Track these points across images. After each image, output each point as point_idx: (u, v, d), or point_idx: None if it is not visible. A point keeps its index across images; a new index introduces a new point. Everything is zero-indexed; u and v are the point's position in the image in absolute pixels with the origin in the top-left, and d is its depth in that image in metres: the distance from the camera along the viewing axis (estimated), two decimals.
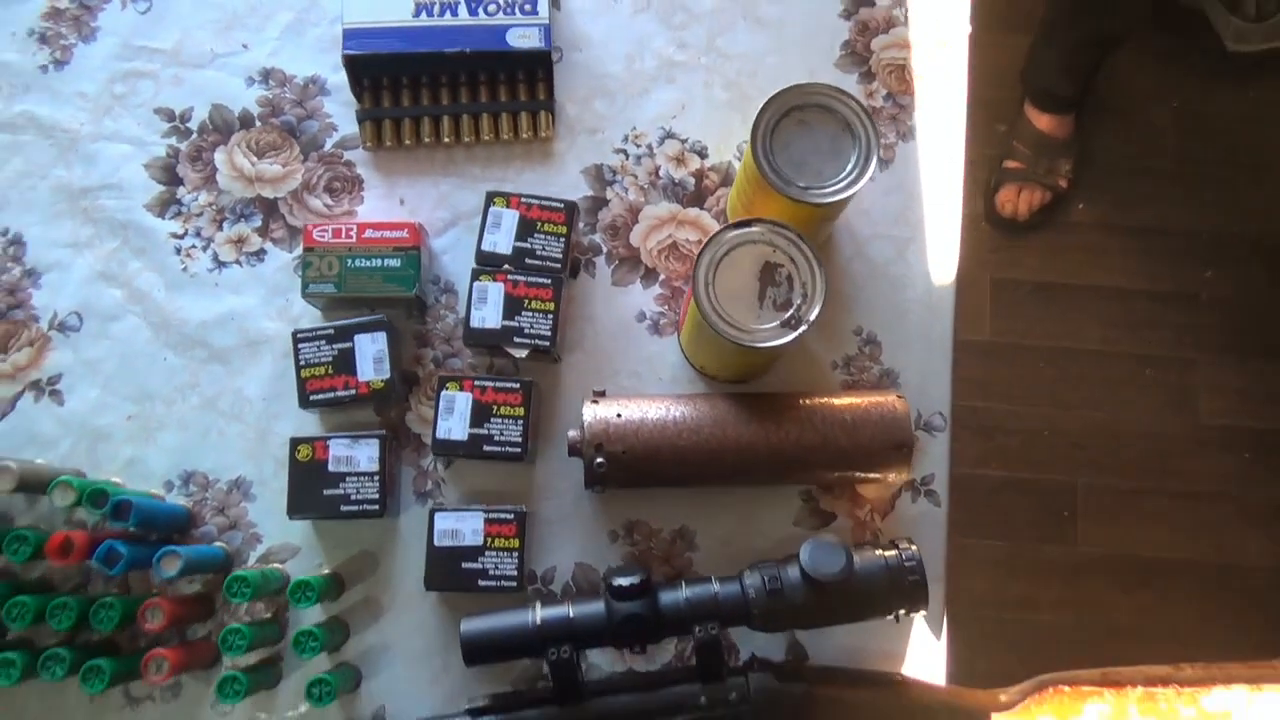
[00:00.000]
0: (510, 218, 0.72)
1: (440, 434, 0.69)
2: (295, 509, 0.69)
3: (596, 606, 0.63)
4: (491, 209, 0.72)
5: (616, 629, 0.62)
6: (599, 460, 0.67)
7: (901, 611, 0.64)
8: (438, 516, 0.68)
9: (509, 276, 0.71)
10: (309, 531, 0.72)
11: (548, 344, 0.70)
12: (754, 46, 0.81)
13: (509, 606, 0.63)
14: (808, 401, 0.69)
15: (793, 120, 0.66)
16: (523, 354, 0.71)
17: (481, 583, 0.67)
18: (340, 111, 0.79)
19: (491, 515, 0.68)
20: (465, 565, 0.68)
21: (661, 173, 0.79)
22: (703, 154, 0.79)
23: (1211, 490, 1.51)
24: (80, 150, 0.78)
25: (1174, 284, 1.59)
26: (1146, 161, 1.64)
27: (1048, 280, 1.59)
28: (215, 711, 0.69)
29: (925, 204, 0.79)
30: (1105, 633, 1.45)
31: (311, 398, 0.70)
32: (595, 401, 0.69)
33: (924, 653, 0.72)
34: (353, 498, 0.68)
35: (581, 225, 0.77)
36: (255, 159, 0.78)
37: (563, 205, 0.73)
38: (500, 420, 0.69)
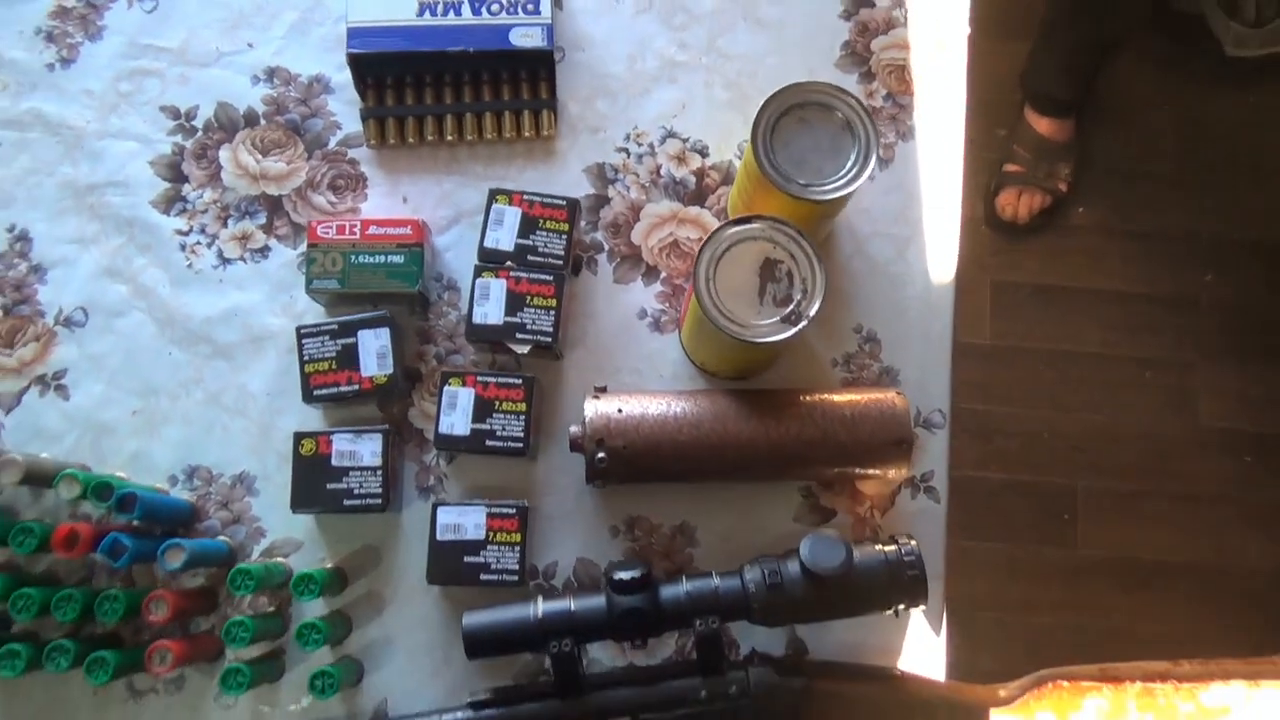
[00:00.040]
0: (513, 215, 0.73)
1: (443, 429, 0.70)
2: (298, 503, 0.69)
3: (598, 600, 0.63)
4: (494, 206, 0.73)
5: (617, 622, 0.62)
6: (600, 455, 0.67)
7: (901, 606, 0.64)
8: (440, 511, 0.69)
9: (511, 273, 0.72)
10: (312, 526, 0.72)
11: (550, 340, 0.71)
12: (754, 47, 0.82)
13: (510, 600, 0.63)
14: (808, 398, 0.70)
15: (793, 118, 0.67)
16: (525, 350, 0.71)
17: (483, 577, 0.68)
18: (344, 110, 0.80)
19: (493, 510, 0.69)
20: (467, 559, 0.68)
21: (663, 171, 0.80)
22: (704, 153, 0.80)
23: (1211, 493, 1.51)
24: (86, 147, 0.79)
25: (1174, 287, 1.59)
26: (1146, 166, 1.64)
27: (1048, 283, 1.59)
28: (218, 704, 0.70)
29: (925, 203, 0.80)
30: (1105, 635, 1.45)
31: (315, 393, 0.71)
32: (597, 397, 0.70)
33: (923, 650, 0.72)
34: (355, 492, 0.69)
35: (583, 223, 0.78)
36: (260, 157, 0.79)
37: (565, 203, 0.73)
38: (502, 416, 0.70)
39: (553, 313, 0.71)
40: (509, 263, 0.72)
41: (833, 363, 0.76)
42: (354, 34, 0.76)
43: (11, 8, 0.81)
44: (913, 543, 0.65)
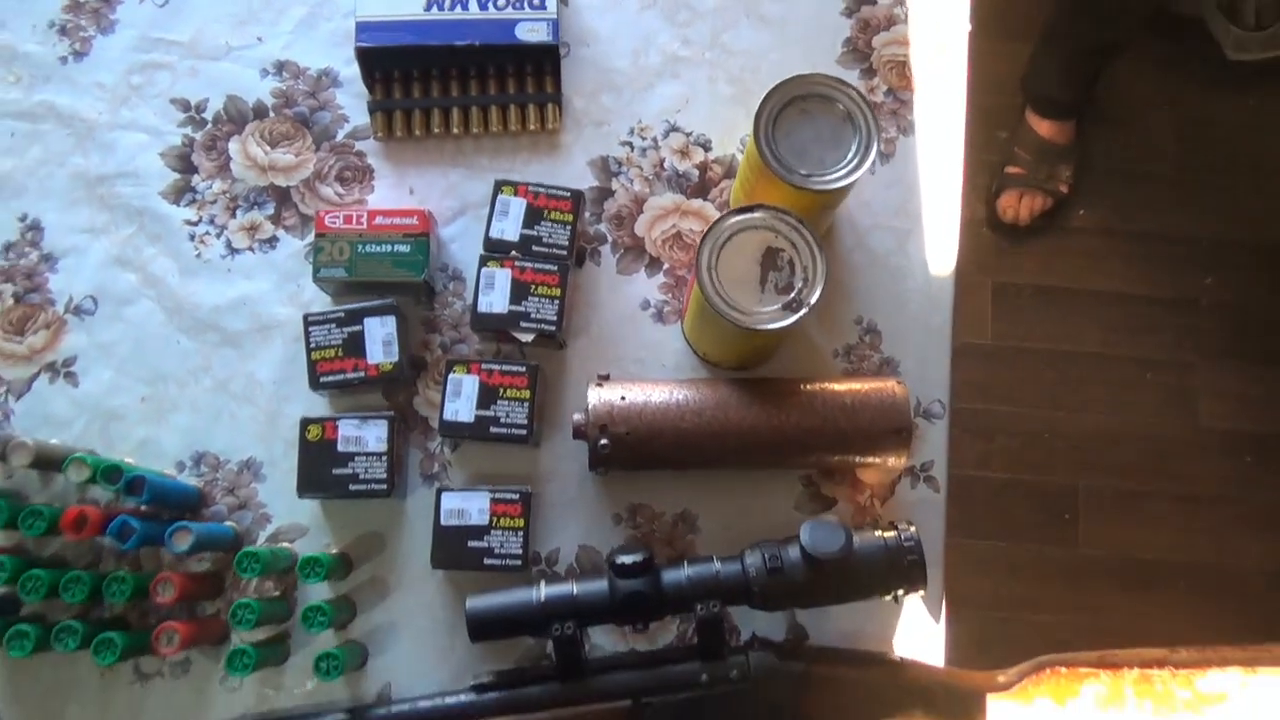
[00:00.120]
0: (518, 205, 0.74)
1: (447, 416, 0.70)
2: (305, 488, 0.70)
3: (600, 584, 0.64)
4: (499, 197, 0.74)
5: (619, 606, 0.63)
6: (603, 442, 0.68)
7: (900, 591, 0.65)
8: (444, 496, 0.69)
9: (516, 263, 0.72)
10: (317, 511, 0.73)
11: (553, 329, 0.72)
12: (757, 43, 0.83)
13: (514, 585, 0.64)
14: (808, 386, 0.71)
15: (795, 110, 0.68)
16: (529, 339, 0.72)
17: (487, 561, 0.69)
18: (352, 103, 0.81)
19: (497, 495, 0.69)
20: (471, 544, 0.69)
21: (666, 165, 0.80)
22: (706, 147, 0.81)
23: (1212, 493, 1.52)
24: (98, 139, 0.80)
25: (1174, 289, 1.60)
26: (1147, 168, 1.65)
27: (1049, 284, 1.60)
28: (224, 687, 0.70)
29: (925, 197, 0.81)
30: (1106, 634, 1.45)
31: (322, 379, 0.71)
32: (600, 385, 0.70)
33: (923, 638, 0.72)
34: (361, 477, 0.70)
35: (587, 215, 0.79)
36: (268, 148, 0.80)
37: (569, 194, 0.74)
38: (506, 403, 0.71)
39: (557, 302, 0.72)
40: (514, 252, 0.73)
41: (833, 353, 0.77)
42: (362, 28, 0.77)
43: (25, 2, 0.82)
44: (912, 529, 0.65)
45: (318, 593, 0.71)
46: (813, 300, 0.64)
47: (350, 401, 0.75)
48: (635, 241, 0.79)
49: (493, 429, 0.70)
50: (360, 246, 0.73)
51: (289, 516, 0.73)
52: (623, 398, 0.69)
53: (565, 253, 0.74)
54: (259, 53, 0.82)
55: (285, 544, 0.73)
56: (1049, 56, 1.53)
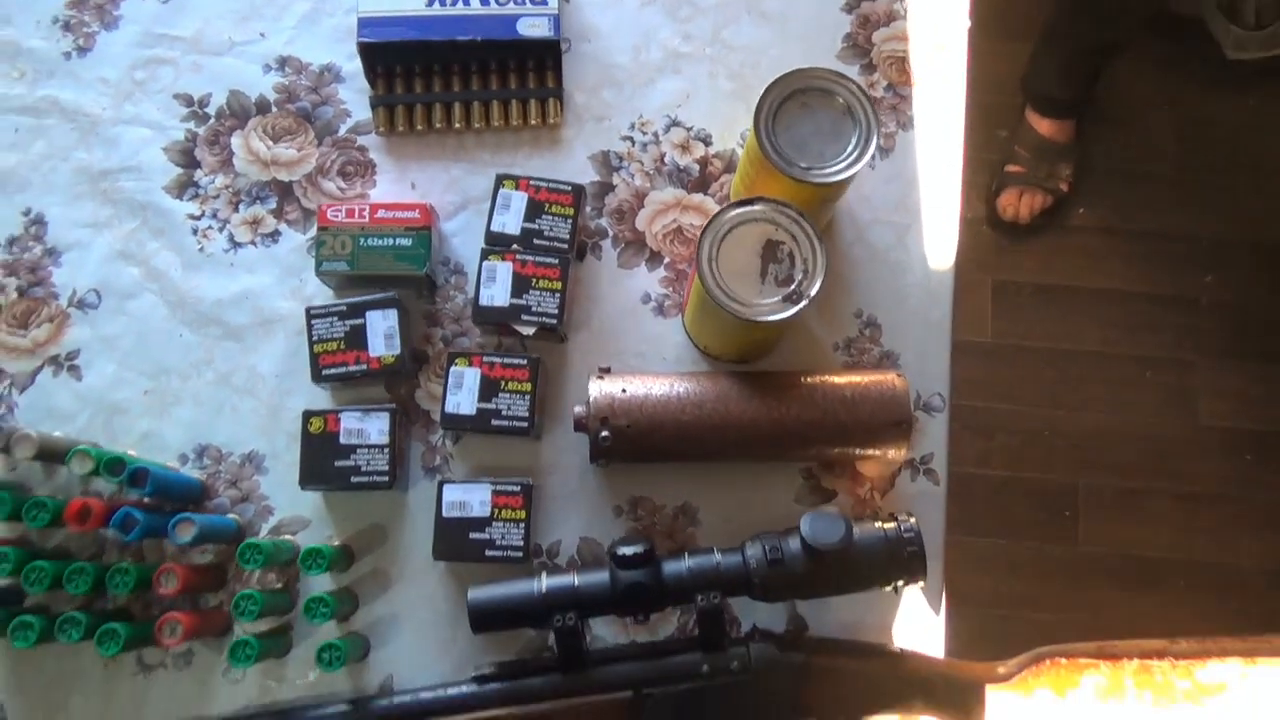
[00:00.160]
0: (519, 199, 0.74)
1: (449, 408, 0.71)
2: (307, 480, 0.70)
3: (601, 576, 0.64)
4: (501, 191, 0.74)
5: (620, 597, 0.63)
6: (604, 434, 0.68)
7: (900, 583, 0.65)
8: (446, 488, 0.70)
9: (517, 256, 0.73)
10: (319, 504, 0.73)
11: (555, 322, 0.72)
12: (757, 39, 0.83)
13: (515, 576, 0.64)
14: (809, 379, 0.71)
15: (795, 103, 0.68)
16: (530, 332, 0.72)
17: (488, 553, 0.69)
18: (354, 98, 0.81)
19: (499, 487, 0.70)
20: (473, 536, 0.69)
21: (667, 159, 0.81)
22: (707, 141, 0.81)
23: (1212, 492, 1.52)
24: (101, 134, 0.80)
25: (1174, 288, 1.60)
26: (1147, 168, 1.66)
27: (1049, 283, 1.60)
28: (226, 679, 0.71)
29: (925, 192, 0.81)
30: (1105, 632, 1.44)
31: (324, 372, 0.72)
32: (601, 377, 0.71)
33: (922, 630, 0.73)
34: (363, 469, 0.70)
35: (588, 209, 0.79)
36: (271, 143, 0.80)
37: (570, 188, 0.75)
38: (508, 395, 0.71)
39: (558, 295, 0.72)
40: (515, 246, 0.73)
41: (834, 347, 0.77)
42: (364, 23, 0.77)
43: None
44: (912, 520, 0.65)
45: (320, 585, 0.71)
46: (813, 292, 0.64)
47: (352, 395, 0.75)
48: (636, 236, 0.79)
49: (494, 421, 0.71)
50: (362, 240, 0.73)
51: (291, 509, 0.73)
52: (624, 390, 0.70)
53: (566, 246, 0.74)
54: (262, 48, 0.82)
55: (287, 536, 0.73)
56: (1049, 56, 1.53)
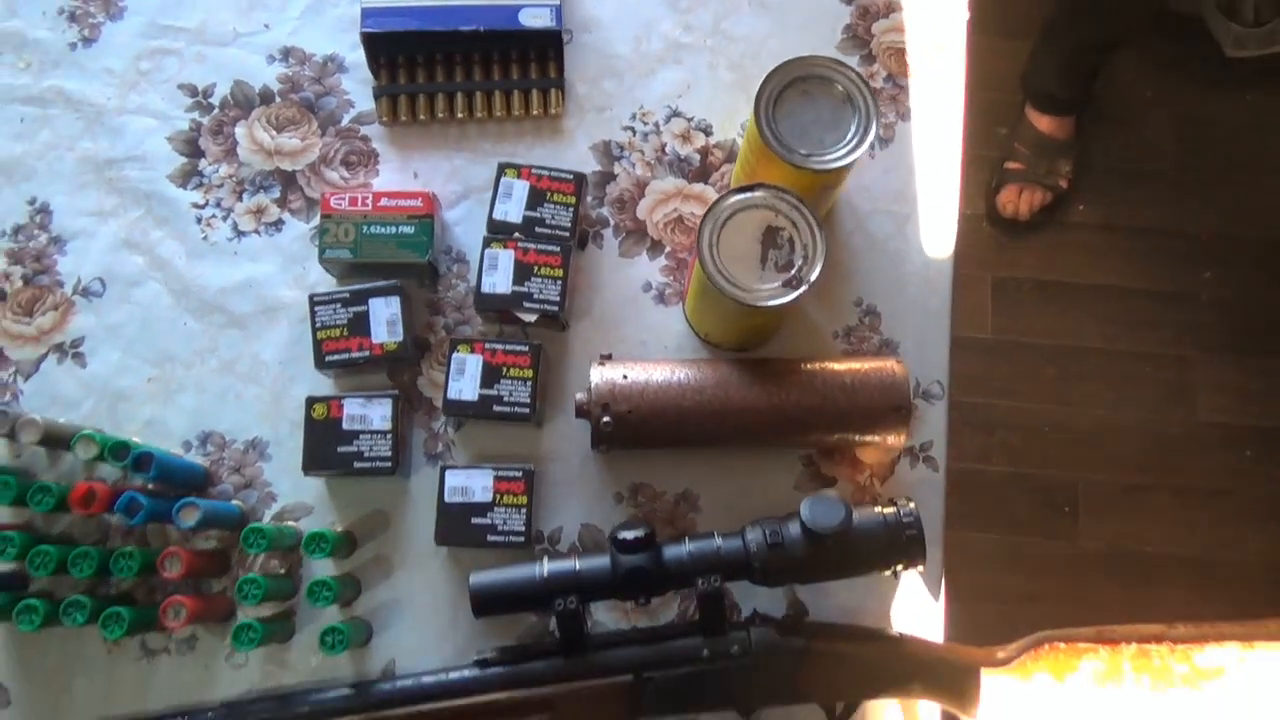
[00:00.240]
0: (521, 188, 0.75)
1: (451, 394, 0.71)
2: (310, 465, 0.71)
3: (602, 560, 0.64)
4: (503, 179, 0.75)
5: (622, 581, 0.64)
6: (605, 419, 0.69)
7: (899, 567, 0.65)
8: (448, 474, 0.70)
9: (519, 244, 0.73)
10: (322, 490, 0.74)
11: (556, 309, 0.73)
12: (757, 29, 0.84)
13: (517, 561, 0.65)
14: (808, 365, 0.71)
15: (795, 91, 0.69)
16: (532, 319, 0.73)
17: (490, 538, 0.69)
18: (357, 89, 0.82)
19: (501, 473, 0.70)
20: (474, 521, 0.69)
21: (668, 149, 0.81)
22: (708, 131, 0.82)
23: (1212, 487, 1.52)
24: (106, 124, 0.81)
25: (1173, 284, 1.61)
26: (1146, 166, 1.66)
27: (1048, 279, 1.61)
28: (229, 664, 0.71)
29: (924, 182, 0.81)
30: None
31: (327, 358, 0.72)
32: (602, 364, 0.71)
33: (921, 618, 0.73)
34: (366, 455, 0.70)
35: (589, 199, 0.80)
36: (274, 133, 0.81)
37: (572, 176, 0.75)
38: (510, 381, 0.71)
39: (559, 282, 0.73)
40: (517, 234, 0.74)
41: (833, 335, 0.78)
42: (368, 14, 0.78)
43: None
44: (911, 505, 0.66)
45: (323, 570, 0.72)
46: (812, 277, 0.65)
47: (355, 382, 0.76)
48: (637, 225, 0.80)
49: (496, 407, 0.71)
50: (365, 228, 0.74)
51: (294, 495, 0.74)
52: (625, 377, 0.70)
53: (568, 234, 0.74)
54: (266, 39, 0.83)
55: (290, 522, 0.73)
56: (1049, 53, 1.54)
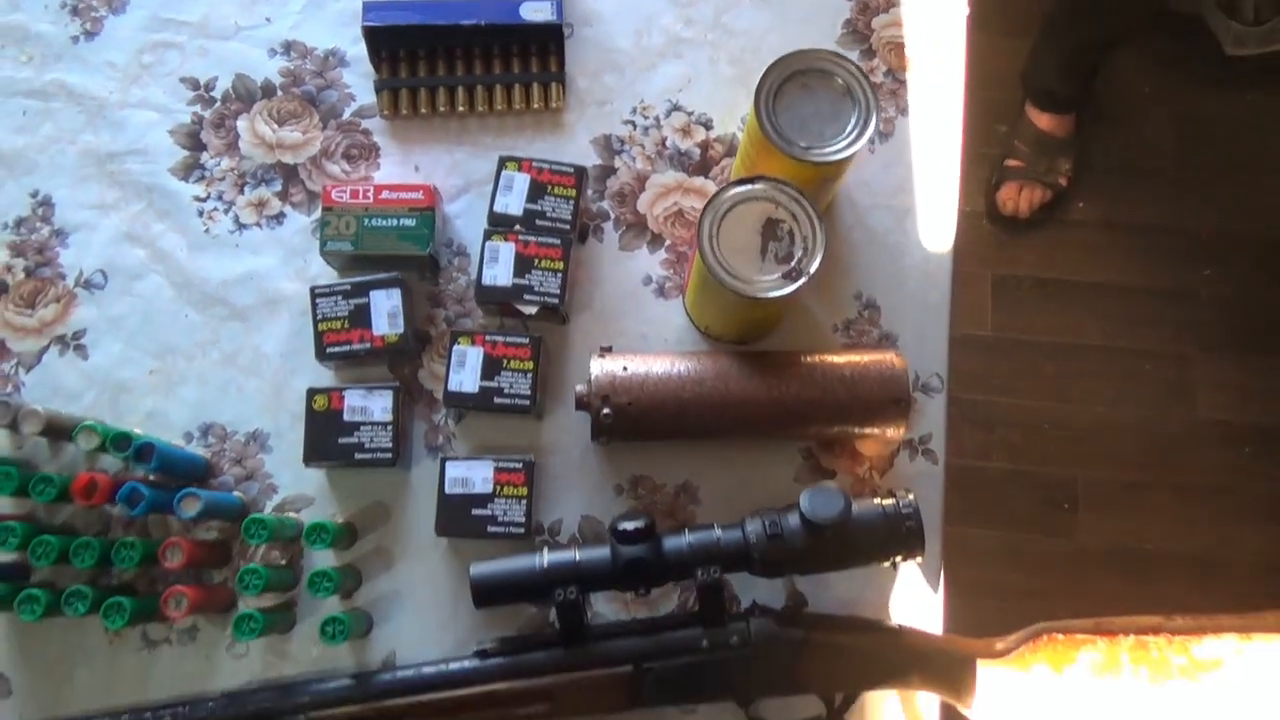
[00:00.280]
0: (522, 181, 0.75)
1: (452, 386, 0.71)
2: (311, 456, 0.71)
3: (602, 551, 0.64)
4: (504, 172, 0.75)
5: (621, 572, 0.64)
6: (605, 411, 0.69)
7: (898, 558, 0.65)
8: (449, 465, 0.70)
9: (520, 236, 0.73)
10: (323, 482, 0.74)
11: (556, 301, 0.73)
12: (758, 24, 0.84)
13: (517, 552, 0.65)
14: (808, 358, 0.72)
15: (795, 84, 0.69)
16: (532, 311, 0.73)
17: (490, 529, 0.69)
18: (358, 82, 0.82)
19: (501, 464, 0.70)
20: (475, 512, 0.70)
21: (668, 143, 0.82)
22: (708, 125, 0.82)
23: (1211, 484, 1.52)
24: (108, 117, 0.81)
25: (1173, 281, 1.61)
26: (1146, 163, 1.66)
27: (1048, 277, 1.61)
28: (230, 654, 0.71)
29: (924, 177, 0.81)
30: None
31: (328, 350, 0.72)
32: (602, 356, 0.71)
33: (920, 610, 0.73)
34: (367, 446, 0.71)
35: (590, 192, 0.80)
36: (276, 126, 0.81)
37: (572, 169, 0.75)
38: (510, 374, 0.72)
39: (560, 275, 0.73)
40: (518, 226, 0.74)
41: (833, 328, 0.78)
42: (369, 8, 0.78)
43: None
44: (910, 496, 0.66)
45: (323, 561, 0.72)
46: (812, 269, 0.65)
47: (355, 374, 0.76)
48: (637, 218, 0.80)
49: (496, 399, 0.71)
50: (366, 220, 0.74)
51: (295, 487, 0.74)
52: (625, 369, 0.70)
53: (569, 227, 0.75)
54: (267, 33, 0.83)
55: (291, 514, 0.74)
56: (1049, 51, 1.54)
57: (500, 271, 0.73)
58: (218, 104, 0.82)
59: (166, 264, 0.78)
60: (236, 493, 0.74)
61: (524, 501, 0.70)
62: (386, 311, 0.73)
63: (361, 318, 0.73)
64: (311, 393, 0.71)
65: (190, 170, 0.80)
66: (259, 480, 0.74)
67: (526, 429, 0.75)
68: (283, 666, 0.71)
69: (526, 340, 0.72)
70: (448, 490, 0.70)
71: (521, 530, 0.69)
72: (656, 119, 0.82)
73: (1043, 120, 1.58)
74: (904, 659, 0.67)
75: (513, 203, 0.75)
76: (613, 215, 0.80)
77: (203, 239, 0.79)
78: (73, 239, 0.79)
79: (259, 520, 0.67)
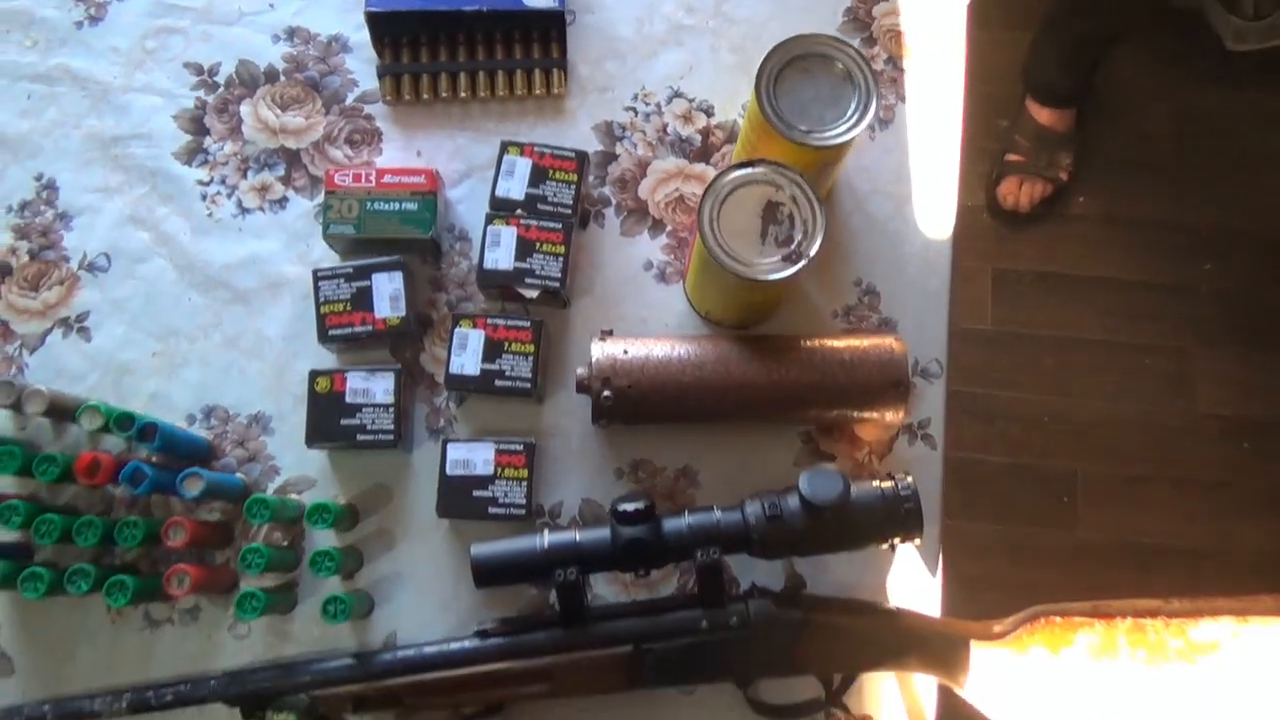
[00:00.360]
0: (523, 165, 0.75)
1: (453, 369, 0.72)
2: (313, 438, 0.71)
3: (602, 532, 0.65)
4: (505, 157, 0.76)
5: (621, 553, 0.64)
6: (606, 394, 0.69)
7: (896, 540, 0.66)
8: (450, 447, 0.71)
9: (521, 220, 0.74)
10: (325, 464, 0.74)
11: (558, 285, 0.73)
12: (759, 12, 0.85)
13: (518, 533, 0.65)
14: (808, 342, 0.72)
15: (796, 69, 0.69)
16: (533, 294, 0.74)
17: (491, 510, 0.70)
18: (361, 68, 0.83)
19: (502, 446, 0.71)
20: (476, 494, 0.70)
21: (669, 130, 0.82)
22: (709, 112, 0.82)
23: (1210, 478, 1.53)
24: (112, 101, 0.81)
25: (1173, 276, 1.61)
26: (1146, 158, 1.66)
27: (1048, 271, 1.61)
28: (232, 634, 0.72)
29: (924, 164, 0.82)
30: None
31: (330, 333, 0.73)
32: (603, 339, 0.72)
33: (918, 592, 0.74)
34: (368, 427, 0.71)
35: (591, 178, 0.80)
36: (279, 112, 0.82)
37: (574, 154, 0.76)
38: (511, 356, 0.72)
39: (561, 259, 0.73)
40: (519, 211, 0.75)
41: (833, 314, 0.78)
42: None
43: None
44: (909, 479, 0.66)
45: (325, 542, 0.72)
46: (812, 251, 0.65)
47: (357, 357, 0.76)
48: (638, 204, 0.80)
49: (498, 382, 0.72)
50: (369, 204, 0.75)
51: (297, 469, 0.75)
52: (625, 352, 0.71)
53: (570, 212, 0.75)
54: (270, 18, 0.83)
55: (293, 496, 0.74)
56: (1049, 45, 1.54)
57: (502, 255, 0.73)
58: (221, 89, 0.82)
59: (170, 247, 0.79)
60: (239, 474, 0.74)
61: (525, 484, 0.70)
62: (388, 295, 0.73)
63: (364, 301, 0.73)
64: (313, 375, 0.72)
65: (194, 154, 0.81)
66: (261, 462, 0.75)
67: (527, 412, 0.75)
68: (284, 646, 0.72)
69: (528, 323, 0.72)
70: (449, 472, 0.70)
71: (522, 512, 0.70)
72: (658, 105, 0.82)
73: (1043, 115, 1.59)
74: (902, 641, 0.67)
75: (514, 187, 0.75)
76: (614, 201, 0.80)
77: (206, 223, 0.79)
78: (76, 222, 0.79)
79: (261, 500, 0.67)
